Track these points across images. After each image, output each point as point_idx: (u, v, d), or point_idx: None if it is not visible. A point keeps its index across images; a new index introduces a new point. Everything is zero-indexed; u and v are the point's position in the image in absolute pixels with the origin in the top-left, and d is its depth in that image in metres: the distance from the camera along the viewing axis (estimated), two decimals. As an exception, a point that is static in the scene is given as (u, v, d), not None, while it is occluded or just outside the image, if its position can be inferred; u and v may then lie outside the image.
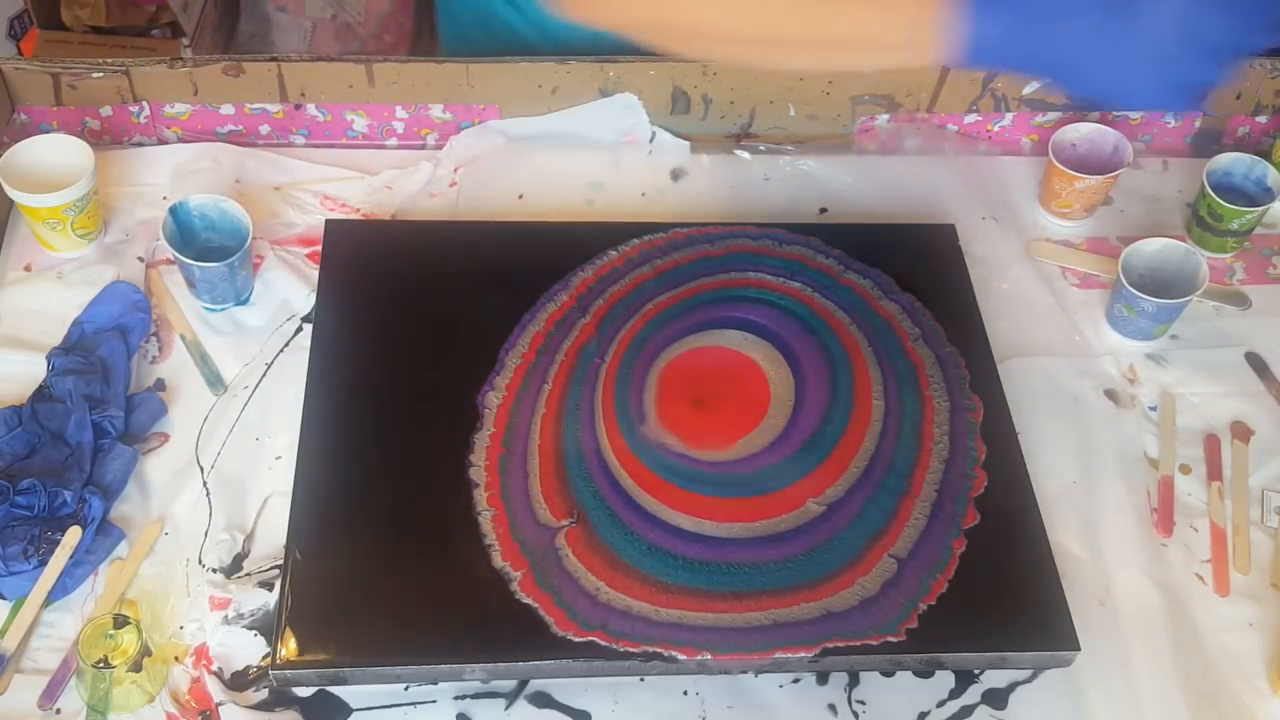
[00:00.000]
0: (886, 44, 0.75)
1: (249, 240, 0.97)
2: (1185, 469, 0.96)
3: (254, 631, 0.83)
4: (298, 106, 1.10)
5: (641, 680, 0.83)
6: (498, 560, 0.84)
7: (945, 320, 1.00)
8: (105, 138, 1.10)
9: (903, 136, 1.16)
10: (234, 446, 0.92)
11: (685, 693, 0.83)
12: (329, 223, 1.02)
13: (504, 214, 1.07)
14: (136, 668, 0.78)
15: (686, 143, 1.14)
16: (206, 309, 0.99)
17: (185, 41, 1.86)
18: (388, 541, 0.85)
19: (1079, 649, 0.84)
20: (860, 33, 0.75)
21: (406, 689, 0.82)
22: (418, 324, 0.96)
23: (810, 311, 1.00)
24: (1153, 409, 1.00)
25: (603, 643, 0.81)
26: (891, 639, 0.82)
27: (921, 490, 0.90)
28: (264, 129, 1.11)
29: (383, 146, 1.13)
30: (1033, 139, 1.18)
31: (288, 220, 1.06)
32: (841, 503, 0.88)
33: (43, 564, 0.83)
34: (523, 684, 0.83)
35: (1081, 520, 0.93)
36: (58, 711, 0.80)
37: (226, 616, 0.83)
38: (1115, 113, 1.17)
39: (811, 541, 0.86)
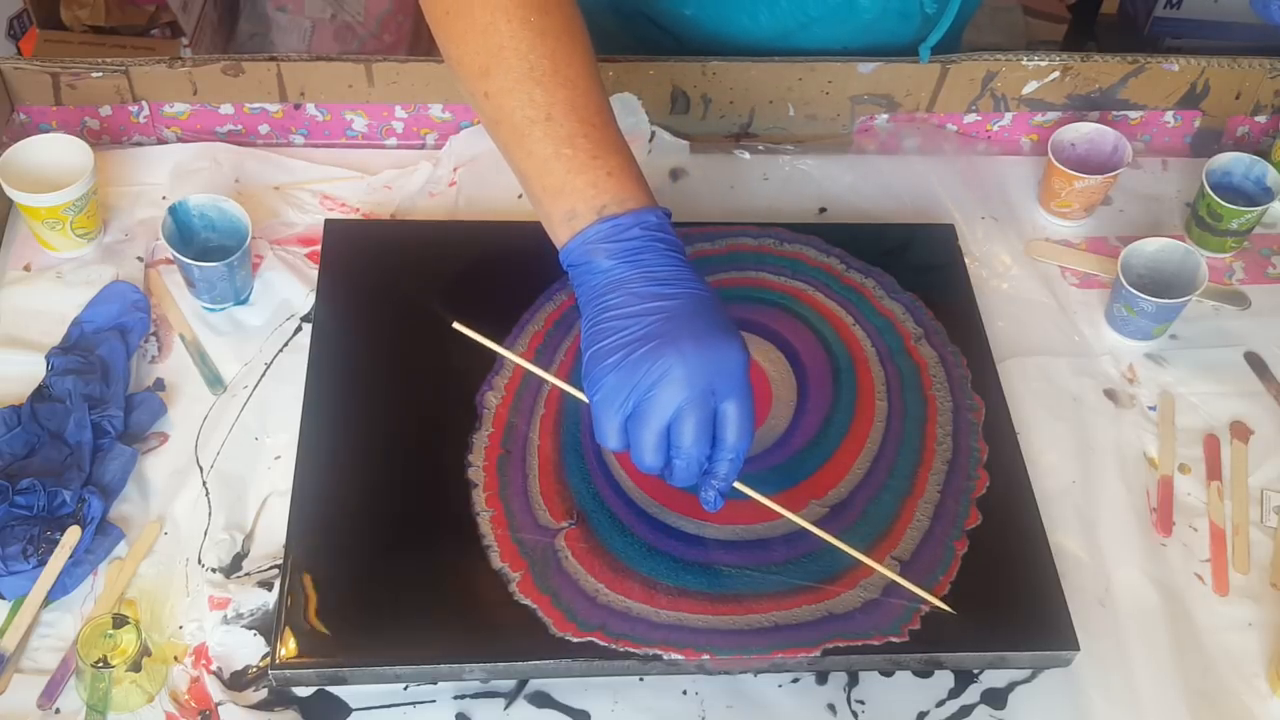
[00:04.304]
0: (558, 211, 0.79)
1: (248, 240, 0.97)
2: (1185, 469, 0.96)
3: (253, 631, 0.83)
4: (297, 106, 1.10)
5: (641, 680, 0.83)
6: (496, 561, 0.84)
7: (945, 320, 1.00)
8: (105, 137, 1.10)
9: (902, 136, 1.16)
10: (233, 446, 0.92)
11: (684, 692, 0.83)
12: (328, 222, 1.02)
13: (503, 213, 1.07)
14: (136, 667, 0.78)
15: (686, 142, 1.13)
16: (206, 309, 0.99)
17: (185, 41, 1.86)
18: (387, 541, 0.85)
19: (1079, 649, 0.84)
20: (554, 189, 0.79)
21: (406, 689, 0.82)
22: (417, 324, 0.96)
23: (812, 311, 1.00)
24: (1152, 409, 1.00)
25: (602, 643, 0.81)
26: (894, 639, 0.82)
27: (924, 491, 0.90)
28: (263, 129, 1.11)
29: (382, 146, 1.13)
30: (1032, 139, 1.18)
31: (287, 220, 1.06)
32: (844, 504, 0.88)
33: (42, 564, 0.83)
34: (522, 684, 0.82)
35: (1081, 520, 0.93)
36: (57, 711, 0.79)
37: (226, 616, 0.83)
38: (1115, 112, 1.17)
39: (814, 544, 0.86)
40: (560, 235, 0.79)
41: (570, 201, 0.78)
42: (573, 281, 0.80)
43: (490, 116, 0.81)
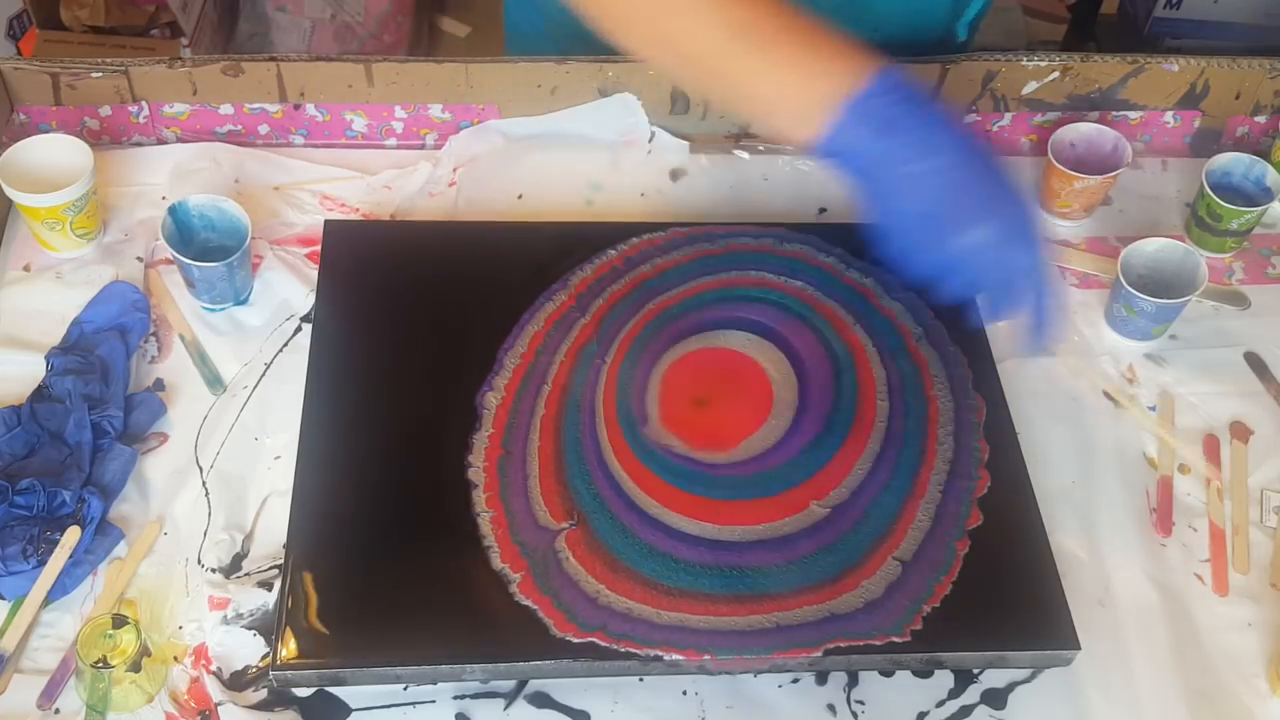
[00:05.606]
0: (790, 114, 0.77)
1: (248, 240, 0.97)
2: (1184, 469, 0.97)
3: (253, 631, 0.83)
4: (297, 106, 1.10)
5: (641, 680, 0.83)
6: (497, 562, 0.84)
7: (944, 320, 1.00)
8: (104, 138, 1.10)
9: (902, 136, 1.16)
10: (233, 446, 0.92)
11: (684, 693, 0.83)
12: (328, 223, 1.02)
13: (503, 214, 1.07)
14: (135, 668, 0.78)
15: (685, 143, 1.14)
16: (206, 309, 0.99)
17: (184, 41, 1.86)
18: (387, 542, 0.85)
19: (1079, 648, 0.84)
20: (776, 95, 0.77)
21: (406, 689, 0.82)
22: (416, 324, 0.96)
23: (813, 311, 1.00)
24: (1152, 409, 1.00)
25: (602, 644, 0.81)
26: (896, 639, 0.82)
27: (926, 491, 0.90)
28: (263, 129, 1.11)
29: (382, 146, 1.13)
30: (1032, 139, 1.18)
31: (287, 220, 1.06)
32: (845, 505, 0.88)
33: (42, 564, 0.83)
34: (522, 684, 0.82)
35: (1081, 520, 0.93)
36: (57, 711, 0.79)
37: (225, 616, 0.83)
38: (1114, 113, 1.17)
39: (815, 544, 0.86)
40: (803, 133, 0.77)
41: (802, 98, 0.76)
42: (840, 169, 0.78)
43: (683, 53, 0.78)
